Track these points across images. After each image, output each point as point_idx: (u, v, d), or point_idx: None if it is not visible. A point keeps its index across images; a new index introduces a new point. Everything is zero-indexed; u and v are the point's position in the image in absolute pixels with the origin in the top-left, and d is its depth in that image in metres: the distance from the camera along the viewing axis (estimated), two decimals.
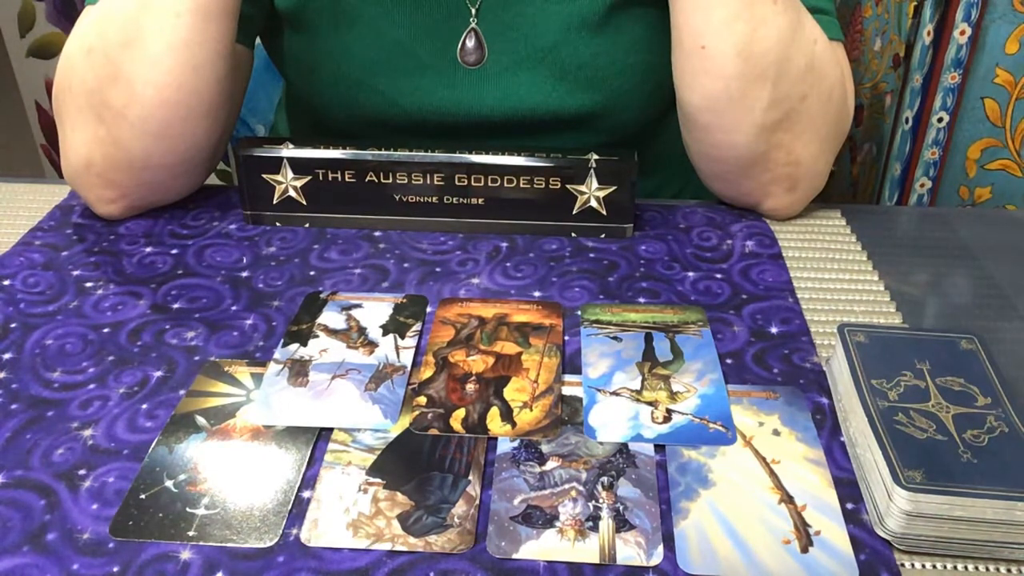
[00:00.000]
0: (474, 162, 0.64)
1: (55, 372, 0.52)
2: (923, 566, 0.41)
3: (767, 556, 0.41)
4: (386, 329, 0.56)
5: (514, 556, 0.41)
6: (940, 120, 0.77)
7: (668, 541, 0.42)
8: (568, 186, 0.64)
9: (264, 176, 0.66)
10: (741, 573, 0.40)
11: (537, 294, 0.60)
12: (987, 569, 0.41)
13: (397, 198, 0.66)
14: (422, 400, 0.50)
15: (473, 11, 0.69)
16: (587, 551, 0.41)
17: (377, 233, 0.67)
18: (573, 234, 0.66)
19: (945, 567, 0.41)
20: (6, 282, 0.60)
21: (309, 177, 0.65)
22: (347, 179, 0.65)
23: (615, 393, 0.50)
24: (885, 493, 0.42)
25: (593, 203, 0.65)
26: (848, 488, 0.45)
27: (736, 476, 0.45)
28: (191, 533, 0.42)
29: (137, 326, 0.56)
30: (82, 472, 0.45)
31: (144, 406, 0.50)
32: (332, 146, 0.65)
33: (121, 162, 0.64)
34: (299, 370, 0.52)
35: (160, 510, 0.43)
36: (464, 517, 0.43)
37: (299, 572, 0.40)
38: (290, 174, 0.65)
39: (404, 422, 0.48)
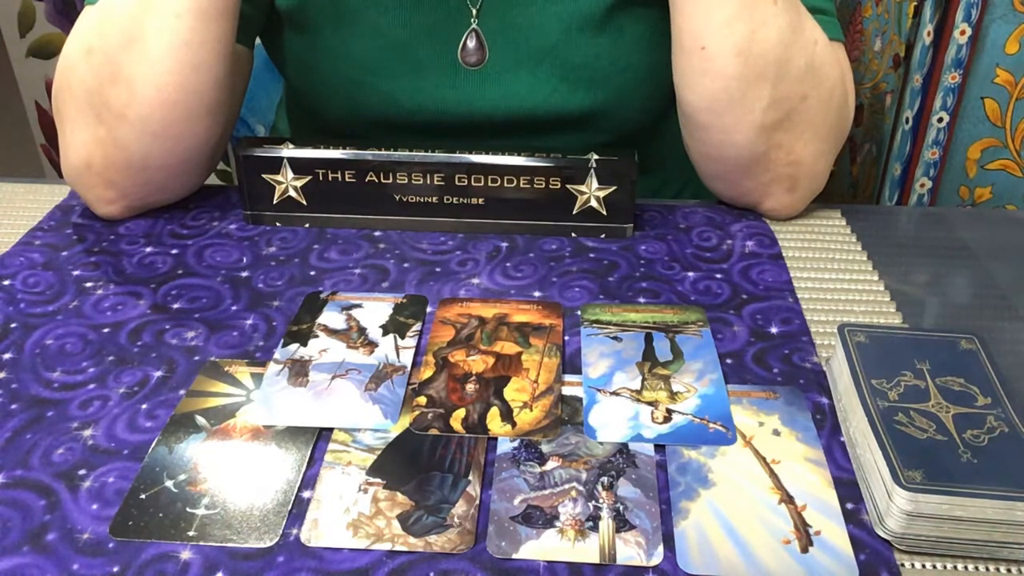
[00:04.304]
0: (474, 162, 0.64)
1: (55, 372, 0.52)
2: (923, 566, 0.41)
3: (767, 556, 0.41)
4: (386, 329, 0.56)
5: (514, 556, 0.41)
6: (940, 120, 0.77)
7: (668, 541, 0.42)
8: (568, 186, 0.64)
9: (264, 176, 0.66)
10: (741, 573, 0.40)
11: (537, 294, 0.60)
12: (987, 569, 0.41)
13: (397, 198, 0.66)
14: (422, 400, 0.50)
15: (474, 11, 0.69)
16: (587, 551, 0.41)
17: (377, 233, 0.67)
18: (573, 234, 0.66)
19: (945, 567, 0.41)
20: (6, 282, 0.60)
21: (309, 177, 0.65)
22: (347, 179, 0.65)
23: (615, 393, 0.50)
24: (885, 493, 0.42)
25: (593, 203, 0.65)
26: (848, 488, 0.45)
27: (736, 476, 0.45)
28: (191, 533, 0.42)
29: (137, 326, 0.56)
30: (82, 472, 0.45)
31: (144, 406, 0.50)
32: (332, 146, 0.65)
33: (121, 162, 0.64)
34: (299, 370, 0.52)
35: (160, 510, 0.43)
36: (464, 517, 0.43)
37: (299, 572, 0.40)
38: (290, 174, 0.65)
39: (404, 422, 0.48)
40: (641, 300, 0.59)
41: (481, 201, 0.65)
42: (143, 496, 0.44)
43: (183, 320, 0.57)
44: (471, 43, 0.70)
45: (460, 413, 0.49)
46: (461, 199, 0.65)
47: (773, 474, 0.45)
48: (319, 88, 0.74)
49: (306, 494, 0.44)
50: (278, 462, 0.46)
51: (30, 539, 0.42)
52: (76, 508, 0.43)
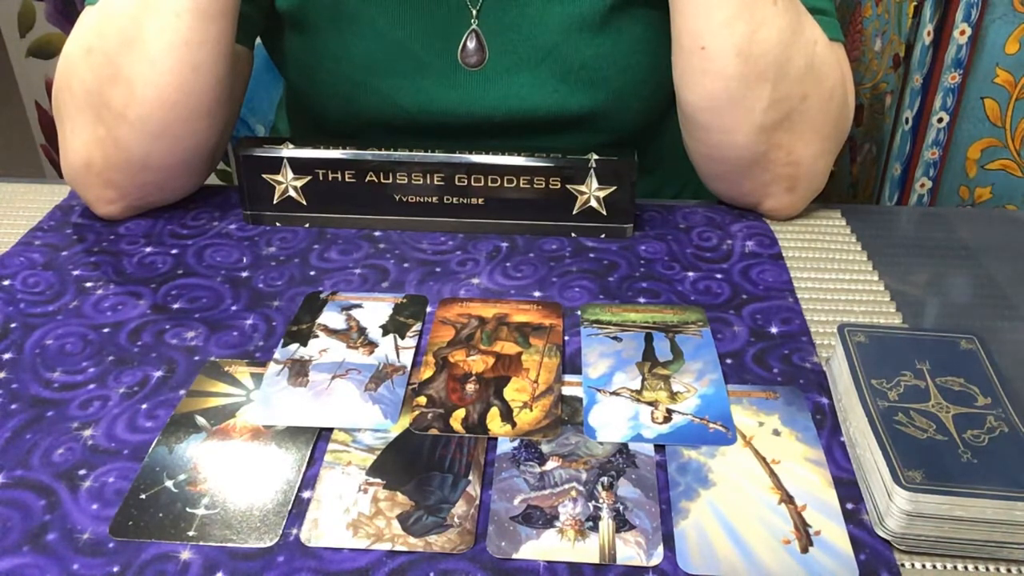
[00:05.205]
0: (474, 162, 0.64)
1: (55, 372, 0.52)
2: (923, 566, 0.41)
3: (767, 556, 0.41)
4: (386, 329, 0.56)
5: (514, 556, 0.41)
6: (940, 120, 0.77)
7: (668, 541, 0.42)
8: (568, 186, 0.64)
9: (264, 176, 0.66)
10: (741, 573, 0.40)
11: (537, 294, 0.60)
12: (987, 569, 0.41)
13: (397, 198, 0.66)
14: (422, 400, 0.50)
15: (474, 12, 0.69)
16: (587, 551, 0.41)
17: (377, 233, 0.67)
18: (573, 234, 0.66)
19: (945, 567, 0.41)
20: (6, 282, 0.60)
21: (309, 177, 0.65)
22: (347, 179, 0.65)
23: (615, 393, 0.50)
24: (885, 493, 0.42)
25: (593, 203, 0.65)
26: (848, 488, 0.45)
27: (736, 476, 0.45)
28: (191, 533, 0.42)
29: (137, 326, 0.56)
30: (82, 472, 0.45)
31: (144, 406, 0.50)
32: (332, 146, 0.65)
33: (121, 162, 0.64)
34: (299, 370, 0.52)
35: (160, 510, 0.43)
36: (464, 517, 0.43)
37: (299, 572, 0.40)
38: (290, 174, 0.65)
39: (404, 422, 0.48)
40: (641, 300, 0.59)
41: (481, 201, 0.65)
42: (143, 496, 0.44)
43: (183, 320, 0.57)
44: (471, 44, 0.70)
45: (460, 413, 0.49)
46: (461, 199, 0.65)
47: (773, 474, 0.45)
48: (319, 89, 0.74)
49: (306, 494, 0.44)
50: (278, 462, 0.46)
51: (30, 539, 0.42)
52: (76, 508, 0.43)
